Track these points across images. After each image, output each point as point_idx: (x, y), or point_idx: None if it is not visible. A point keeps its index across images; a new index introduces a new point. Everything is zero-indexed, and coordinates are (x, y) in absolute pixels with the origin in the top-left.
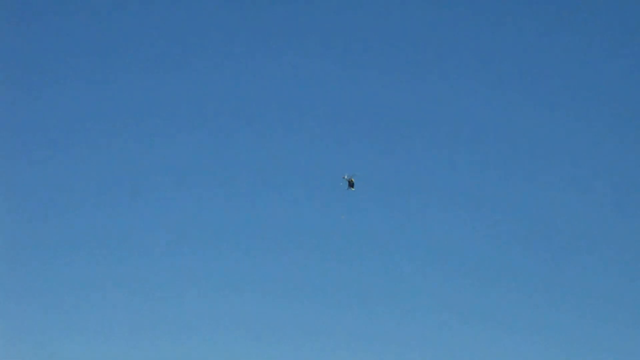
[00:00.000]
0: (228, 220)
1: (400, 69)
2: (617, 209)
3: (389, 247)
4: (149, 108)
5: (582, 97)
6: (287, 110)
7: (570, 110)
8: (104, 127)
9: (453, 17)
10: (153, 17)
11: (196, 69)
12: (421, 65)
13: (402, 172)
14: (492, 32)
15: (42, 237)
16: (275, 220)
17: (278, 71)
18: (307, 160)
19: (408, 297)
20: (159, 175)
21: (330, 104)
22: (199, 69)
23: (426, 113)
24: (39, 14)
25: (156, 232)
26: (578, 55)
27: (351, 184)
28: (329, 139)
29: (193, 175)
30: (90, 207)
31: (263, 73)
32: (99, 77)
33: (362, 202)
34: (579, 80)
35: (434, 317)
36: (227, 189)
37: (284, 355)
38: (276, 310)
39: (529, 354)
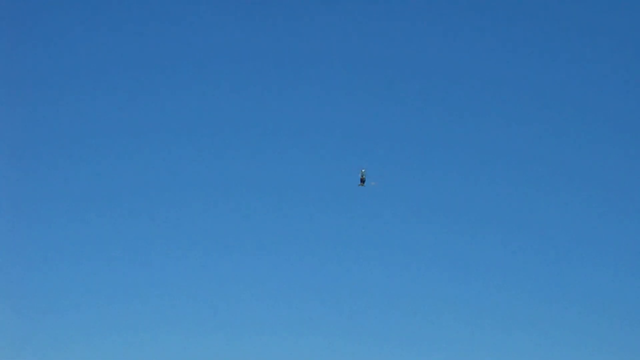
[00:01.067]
0: (230, 222)
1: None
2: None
3: (394, 247)
4: (150, 112)
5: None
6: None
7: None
8: (104, 132)
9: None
10: (153, 23)
11: (194, 75)
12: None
13: (404, 175)
14: (491, 37)
15: (45, 240)
16: (280, 220)
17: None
18: (310, 161)
19: (408, 295)
20: (161, 176)
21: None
22: (197, 75)
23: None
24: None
25: (158, 233)
26: (576, 58)
27: (362, 181)
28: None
29: (191, 180)
30: (90, 211)
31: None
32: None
33: (369, 202)
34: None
35: (436, 316)
36: (229, 191)
37: (287, 354)
38: (278, 309)
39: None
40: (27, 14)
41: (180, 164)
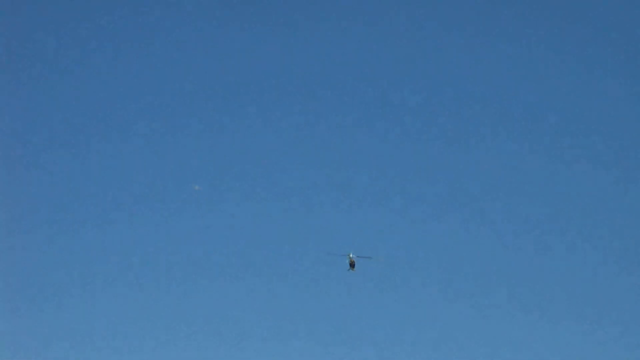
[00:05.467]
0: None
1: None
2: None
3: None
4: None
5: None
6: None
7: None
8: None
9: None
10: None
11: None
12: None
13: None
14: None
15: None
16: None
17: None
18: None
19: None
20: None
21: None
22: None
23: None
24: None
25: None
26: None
27: (352, 265)
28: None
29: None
30: (90, 210)
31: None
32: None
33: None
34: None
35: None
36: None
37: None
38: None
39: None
40: (28, 15)
41: (180, 166)
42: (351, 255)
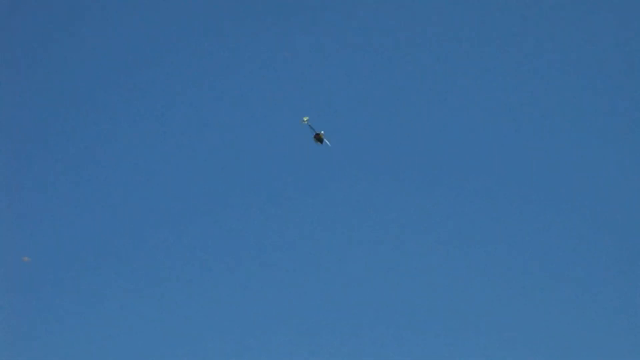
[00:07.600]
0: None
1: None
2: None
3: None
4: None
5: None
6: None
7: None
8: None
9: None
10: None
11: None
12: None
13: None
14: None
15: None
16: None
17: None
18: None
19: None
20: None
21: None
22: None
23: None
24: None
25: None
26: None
27: (319, 138)
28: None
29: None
30: (90, 208)
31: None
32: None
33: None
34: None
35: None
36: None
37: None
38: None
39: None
40: (27, 15)
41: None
42: (306, 120)
